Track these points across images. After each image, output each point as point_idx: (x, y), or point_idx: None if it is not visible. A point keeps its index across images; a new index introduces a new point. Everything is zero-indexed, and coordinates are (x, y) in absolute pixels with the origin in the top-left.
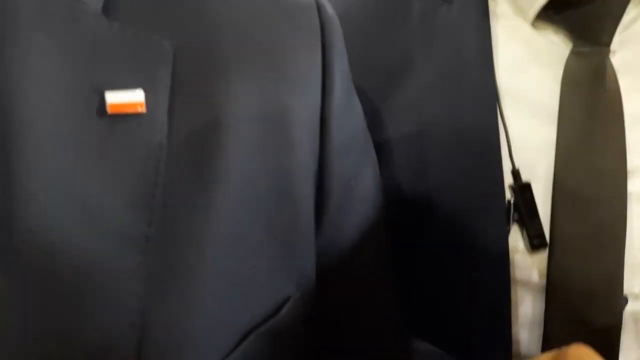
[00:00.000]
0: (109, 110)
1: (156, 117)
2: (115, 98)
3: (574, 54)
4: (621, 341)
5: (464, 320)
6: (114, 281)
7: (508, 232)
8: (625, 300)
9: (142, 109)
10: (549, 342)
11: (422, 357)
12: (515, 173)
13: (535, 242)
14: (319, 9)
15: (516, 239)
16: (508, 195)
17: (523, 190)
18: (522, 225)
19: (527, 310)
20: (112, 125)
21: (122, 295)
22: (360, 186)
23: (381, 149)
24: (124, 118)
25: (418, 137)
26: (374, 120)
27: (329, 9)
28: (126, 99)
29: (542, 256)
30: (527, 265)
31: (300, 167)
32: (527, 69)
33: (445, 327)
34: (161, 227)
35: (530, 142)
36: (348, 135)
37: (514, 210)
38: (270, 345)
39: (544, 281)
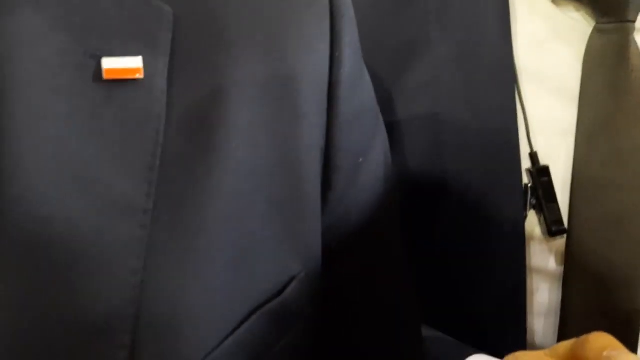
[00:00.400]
0: (105, 75)
1: (155, 85)
2: (112, 64)
3: (597, 30)
4: None
5: (478, 308)
6: (109, 255)
7: (525, 217)
8: None
9: (140, 76)
10: (565, 331)
11: (435, 344)
12: (533, 156)
13: (553, 228)
14: None
15: (533, 224)
16: (525, 179)
17: (541, 173)
18: (540, 210)
19: (544, 299)
20: (108, 91)
21: (118, 269)
22: (369, 163)
23: (394, 129)
24: (122, 85)
25: (433, 117)
26: (386, 100)
27: None
28: (123, 64)
29: (560, 243)
30: (545, 252)
31: (307, 140)
32: (548, 46)
33: (459, 315)
34: (160, 200)
35: (549, 123)
36: (357, 109)
37: (532, 195)
38: (273, 325)
39: (562, 269)
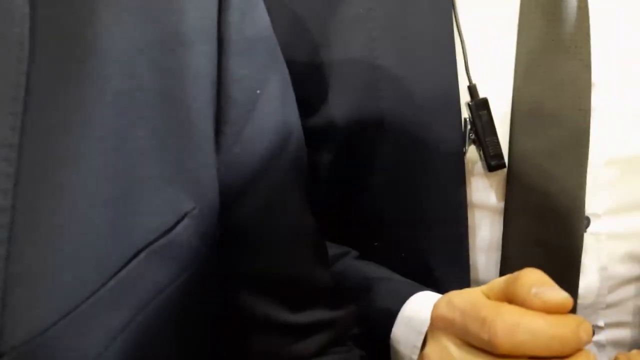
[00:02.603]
0: None
1: (15, 6)
2: None
3: None
4: (582, 263)
5: (421, 246)
6: None
7: (464, 152)
8: (587, 221)
9: None
10: (507, 266)
11: (384, 282)
12: (472, 88)
13: (492, 162)
14: None
15: (473, 160)
16: (465, 113)
17: (480, 106)
18: (479, 144)
19: (485, 235)
20: None
21: None
22: (266, 96)
23: (332, 68)
24: None
25: (369, 51)
26: (322, 34)
27: None
28: None
29: (500, 177)
30: (485, 188)
31: (193, 69)
32: None
33: (402, 252)
34: (27, 133)
35: (488, 54)
36: (250, 38)
37: (471, 129)
38: (163, 264)
39: (502, 204)
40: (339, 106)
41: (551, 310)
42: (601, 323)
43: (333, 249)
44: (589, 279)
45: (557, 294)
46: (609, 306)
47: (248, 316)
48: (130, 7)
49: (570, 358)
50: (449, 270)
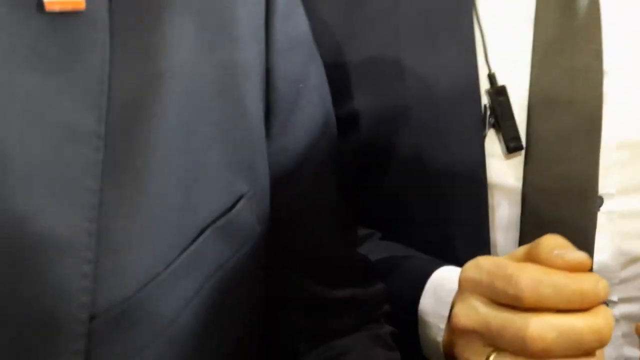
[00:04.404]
0: (47, 7)
1: (97, 15)
2: None
3: None
4: (596, 241)
5: (443, 225)
6: (68, 178)
7: (484, 136)
8: (600, 201)
9: (81, 6)
10: (525, 244)
11: (408, 260)
12: (492, 77)
13: (510, 144)
14: None
15: (492, 143)
16: (485, 100)
17: (499, 93)
18: (498, 128)
19: (504, 214)
20: (51, 23)
21: (77, 191)
22: (308, 90)
23: (357, 61)
24: (64, 16)
25: (394, 44)
26: (347, 27)
27: None
28: None
29: (518, 159)
30: (503, 169)
31: (245, 65)
32: None
33: (425, 232)
34: (112, 124)
35: (506, 45)
36: (293, 38)
37: (490, 114)
38: (224, 241)
39: (520, 184)
40: (364, 97)
41: (572, 268)
42: (615, 298)
43: (359, 231)
44: (602, 256)
45: (577, 254)
46: (622, 282)
47: (291, 292)
48: (191, 12)
49: (590, 311)
50: (469, 249)
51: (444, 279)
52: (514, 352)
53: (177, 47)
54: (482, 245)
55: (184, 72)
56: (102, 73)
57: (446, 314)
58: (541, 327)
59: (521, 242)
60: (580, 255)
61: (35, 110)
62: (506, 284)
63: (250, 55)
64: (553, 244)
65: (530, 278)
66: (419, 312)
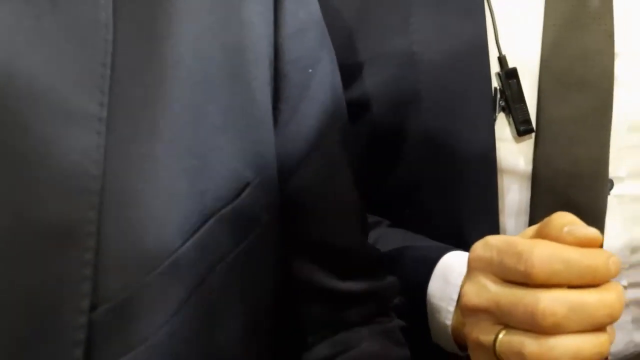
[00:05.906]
0: None
1: None
2: None
3: None
4: (606, 224)
5: (454, 210)
6: (69, 161)
7: (494, 119)
8: (610, 184)
9: None
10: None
11: (418, 246)
12: (502, 59)
13: (521, 128)
14: None
15: (503, 127)
16: (495, 83)
17: (509, 76)
18: (509, 111)
19: (514, 199)
20: (53, 2)
21: (78, 175)
22: (318, 75)
23: (368, 46)
24: None
25: (406, 27)
26: (359, 19)
27: None
28: None
29: (529, 143)
30: (514, 153)
31: (254, 48)
32: None
33: (435, 217)
34: (114, 108)
35: (517, 27)
36: (304, 22)
37: (501, 97)
38: (231, 229)
39: (530, 168)
40: (375, 81)
41: (583, 244)
42: (624, 283)
43: (368, 219)
44: (612, 240)
45: (588, 230)
46: (631, 266)
47: (303, 283)
48: None
49: (601, 287)
50: (479, 233)
51: (453, 263)
52: (524, 329)
53: (184, 28)
54: (492, 229)
55: (191, 55)
56: (104, 55)
57: (455, 296)
58: (552, 302)
59: (531, 226)
60: (591, 231)
61: (36, 92)
62: (516, 261)
63: (259, 39)
64: (563, 221)
65: (541, 254)
66: (428, 295)
